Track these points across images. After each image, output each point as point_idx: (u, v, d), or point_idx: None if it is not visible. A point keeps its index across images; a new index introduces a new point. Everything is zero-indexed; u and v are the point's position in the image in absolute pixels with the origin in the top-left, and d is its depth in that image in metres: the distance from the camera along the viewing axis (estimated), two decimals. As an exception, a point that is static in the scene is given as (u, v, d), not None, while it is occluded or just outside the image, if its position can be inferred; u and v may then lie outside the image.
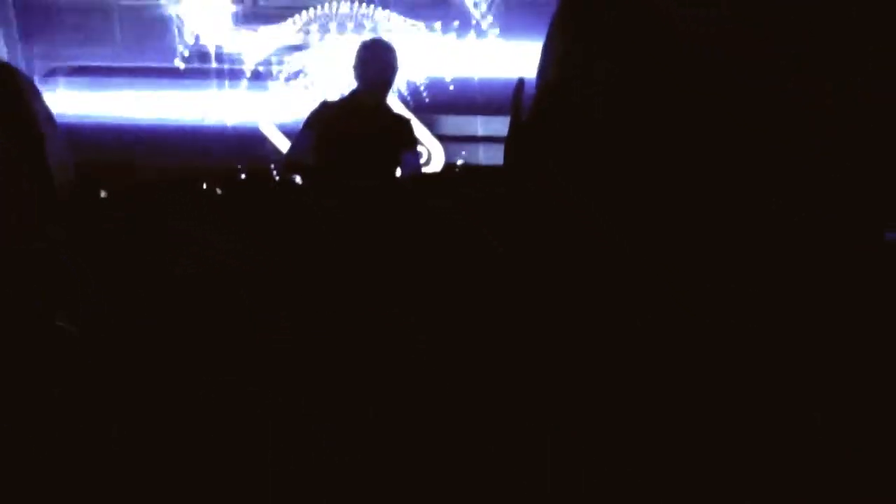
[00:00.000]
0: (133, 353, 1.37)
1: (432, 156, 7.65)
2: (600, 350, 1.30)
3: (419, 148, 5.60)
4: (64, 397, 1.34)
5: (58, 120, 2.05)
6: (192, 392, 1.32)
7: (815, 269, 1.24)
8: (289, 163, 5.36)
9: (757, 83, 1.21)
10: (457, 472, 1.28)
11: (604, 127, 1.29)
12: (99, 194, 2.81)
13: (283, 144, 7.33)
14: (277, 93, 7.78)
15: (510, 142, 1.44)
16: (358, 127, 4.86)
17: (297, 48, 7.73)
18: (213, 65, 7.79)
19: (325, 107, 5.29)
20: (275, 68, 7.84)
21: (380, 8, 7.60)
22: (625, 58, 1.27)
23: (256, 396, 1.30)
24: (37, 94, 2.16)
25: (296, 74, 7.83)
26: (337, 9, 7.65)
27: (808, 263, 1.23)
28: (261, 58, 7.84)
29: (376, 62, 4.98)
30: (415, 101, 7.64)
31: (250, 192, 1.70)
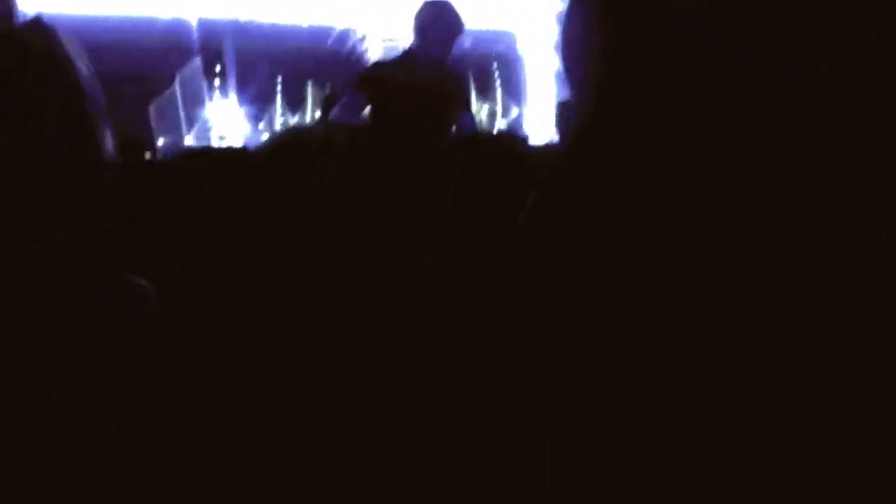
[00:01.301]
0: (133, 354, 1.37)
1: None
2: (600, 350, 1.30)
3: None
4: (64, 397, 1.34)
5: None
6: (191, 393, 1.32)
7: (813, 264, 1.23)
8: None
9: (753, 63, 1.21)
10: (457, 472, 1.28)
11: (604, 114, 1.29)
12: (144, 157, 2.80)
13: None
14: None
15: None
16: (413, 90, 4.63)
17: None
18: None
19: (378, 67, 5.08)
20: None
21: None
22: (621, 36, 1.27)
23: (256, 398, 1.30)
24: (78, 50, 2.15)
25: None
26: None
27: (805, 256, 1.23)
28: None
29: (440, 22, 4.79)
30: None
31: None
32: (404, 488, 1.27)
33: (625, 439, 1.26)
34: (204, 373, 1.34)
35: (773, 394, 1.24)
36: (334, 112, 5.02)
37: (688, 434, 1.25)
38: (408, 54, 4.94)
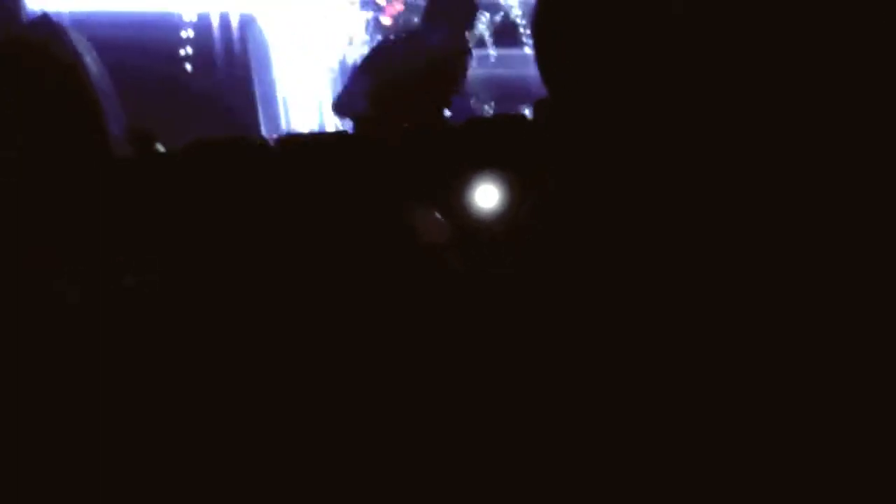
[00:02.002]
0: (133, 354, 1.37)
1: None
2: (601, 350, 1.30)
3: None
4: (63, 397, 1.34)
5: None
6: (191, 393, 1.32)
7: (812, 264, 1.23)
8: (338, 107, 4.93)
9: (757, 75, 1.21)
10: (457, 472, 1.28)
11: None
12: (156, 149, 2.80)
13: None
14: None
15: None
16: (420, 71, 4.35)
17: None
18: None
19: (386, 46, 4.82)
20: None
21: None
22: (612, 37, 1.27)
23: (255, 398, 1.30)
24: (86, 45, 2.15)
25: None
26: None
27: (805, 256, 1.23)
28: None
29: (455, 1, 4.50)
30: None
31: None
32: (404, 488, 1.27)
33: (625, 439, 1.26)
34: (203, 373, 1.34)
35: (772, 393, 1.23)
36: (339, 96, 4.84)
37: (688, 434, 1.25)
38: (418, 32, 4.71)
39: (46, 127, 2.13)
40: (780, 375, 1.23)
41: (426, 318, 1.41)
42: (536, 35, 1.40)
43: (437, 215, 1.63)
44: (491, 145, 1.95)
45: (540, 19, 1.38)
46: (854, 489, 1.18)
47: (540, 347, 1.32)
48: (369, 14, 7.24)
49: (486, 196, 1.66)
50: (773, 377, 1.23)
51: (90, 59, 2.48)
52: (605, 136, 1.31)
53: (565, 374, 1.31)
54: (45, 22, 2.60)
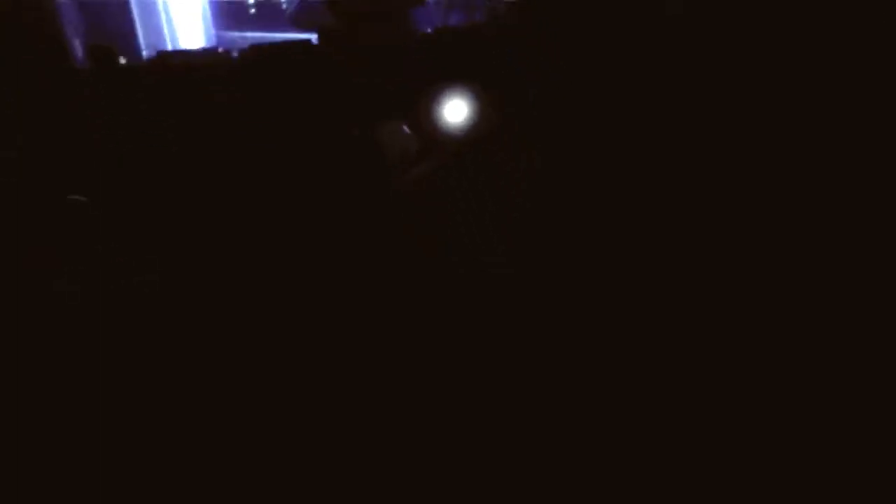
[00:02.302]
0: (133, 353, 1.37)
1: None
2: (601, 350, 1.30)
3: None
4: (62, 397, 1.34)
5: None
6: (190, 393, 1.32)
7: (810, 262, 1.23)
8: (296, 20, 4.86)
9: (755, 76, 1.21)
10: (457, 472, 1.28)
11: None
12: (117, 63, 2.79)
13: None
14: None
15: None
16: None
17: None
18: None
19: None
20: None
21: None
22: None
23: (255, 397, 1.30)
24: None
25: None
26: None
27: (803, 254, 1.23)
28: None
29: None
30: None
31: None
32: (404, 488, 1.27)
33: (625, 439, 1.26)
34: (203, 373, 1.34)
35: (773, 394, 1.23)
36: (297, 8, 4.70)
37: (688, 434, 1.25)
38: None
39: (12, 46, 2.12)
40: (775, 370, 1.23)
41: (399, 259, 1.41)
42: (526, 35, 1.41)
43: (405, 128, 1.62)
44: (458, 55, 1.93)
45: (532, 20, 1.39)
46: (853, 488, 1.18)
47: (537, 340, 1.33)
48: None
49: (454, 109, 1.65)
50: (768, 370, 1.23)
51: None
52: (593, 116, 1.31)
53: (562, 368, 1.31)
54: None
